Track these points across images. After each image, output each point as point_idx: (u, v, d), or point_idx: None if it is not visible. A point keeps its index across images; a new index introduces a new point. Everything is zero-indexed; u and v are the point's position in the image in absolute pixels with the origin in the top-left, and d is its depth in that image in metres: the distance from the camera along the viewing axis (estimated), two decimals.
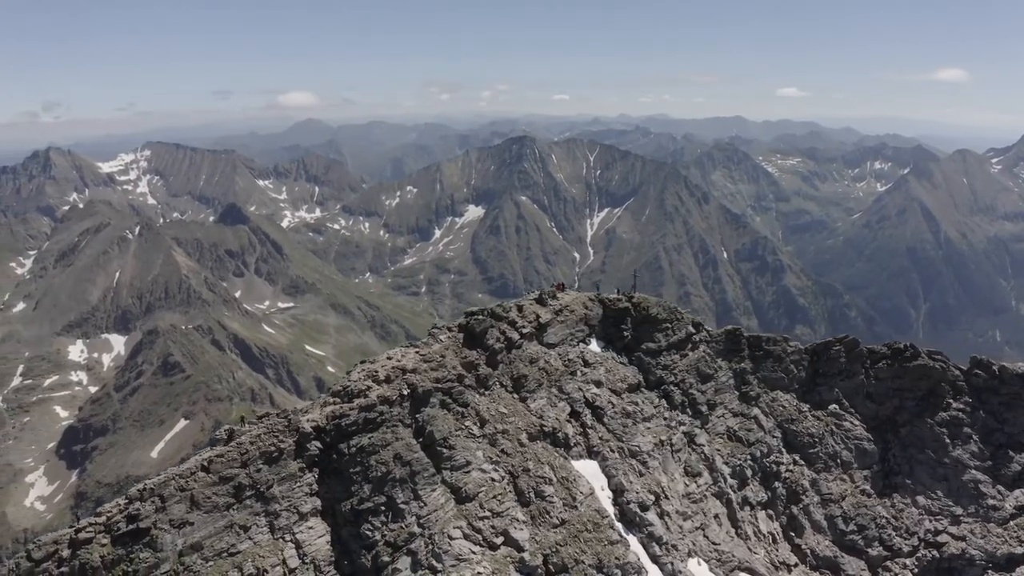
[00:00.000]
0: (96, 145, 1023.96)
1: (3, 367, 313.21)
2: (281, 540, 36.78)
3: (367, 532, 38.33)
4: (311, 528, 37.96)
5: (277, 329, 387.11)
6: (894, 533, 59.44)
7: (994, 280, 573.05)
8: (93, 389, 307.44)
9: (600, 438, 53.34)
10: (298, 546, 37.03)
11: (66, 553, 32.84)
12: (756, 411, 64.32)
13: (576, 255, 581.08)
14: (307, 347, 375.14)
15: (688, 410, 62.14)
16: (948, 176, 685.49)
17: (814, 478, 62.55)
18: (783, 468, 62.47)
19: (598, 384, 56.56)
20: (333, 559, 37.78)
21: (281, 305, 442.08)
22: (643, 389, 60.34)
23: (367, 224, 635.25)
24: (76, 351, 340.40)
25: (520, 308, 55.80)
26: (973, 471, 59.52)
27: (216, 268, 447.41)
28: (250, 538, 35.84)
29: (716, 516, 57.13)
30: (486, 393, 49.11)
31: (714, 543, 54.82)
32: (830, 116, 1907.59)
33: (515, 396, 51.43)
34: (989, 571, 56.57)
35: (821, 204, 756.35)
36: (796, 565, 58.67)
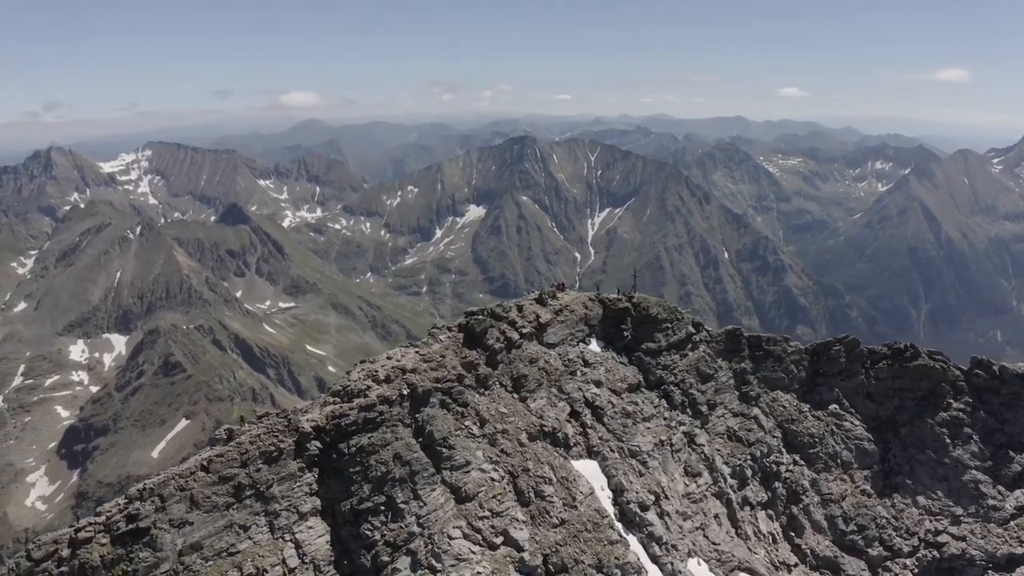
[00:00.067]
0: (97, 145, 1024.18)
1: (4, 367, 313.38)
2: (281, 540, 36.80)
3: (367, 532, 38.34)
4: (311, 528, 37.97)
5: (278, 329, 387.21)
6: (894, 533, 59.43)
7: (995, 280, 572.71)
8: (94, 389, 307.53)
9: (600, 438, 53.35)
10: (298, 546, 37.04)
11: (66, 553, 32.88)
12: (756, 411, 64.32)
13: (577, 255, 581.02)
14: (308, 347, 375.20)
15: (688, 410, 62.14)
16: (949, 176, 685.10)
17: (814, 478, 62.54)
18: (783, 468, 62.47)
19: (598, 384, 56.57)
20: (333, 559, 37.79)
21: (282, 305, 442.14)
22: (643, 389, 60.35)
23: (368, 224, 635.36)
24: (77, 351, 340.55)
25: (520, 308, 55.83)
26: (973, 471, 59.52)
27: (217, 268, 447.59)
28: (250, 538, 35.86)
29: (716, 516, 57.14)
30: (486, 393, 49.13)
31: (714, 543, 54.82)
32: (831, 116, 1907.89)
33: (515, 396, 51.44)
34: (989, 571, 56.57)
35: (822, 204, 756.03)
36: (796, 565, 58.66)
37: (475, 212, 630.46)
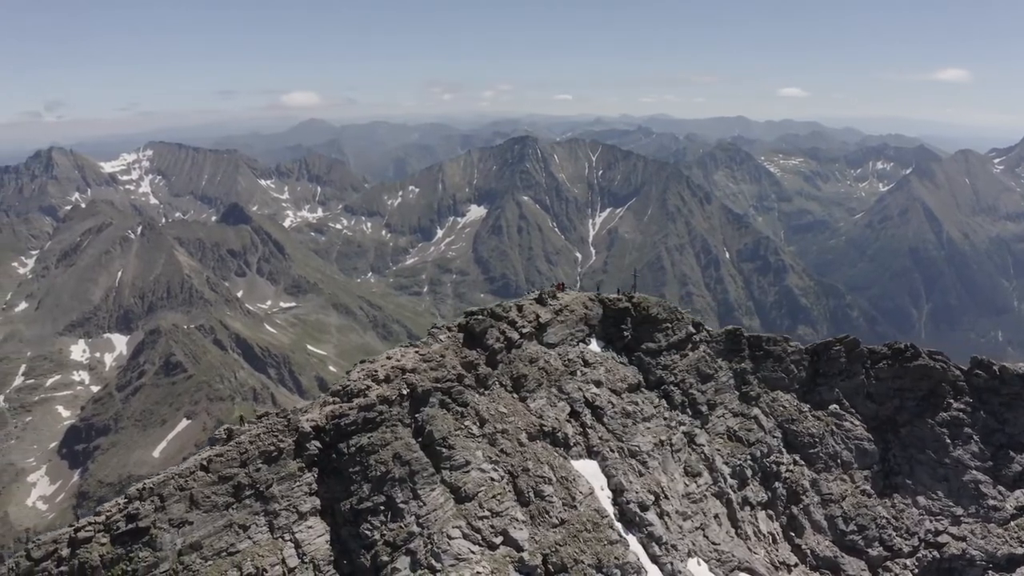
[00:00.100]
0: (98, 145, 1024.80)
1: (5, 367, 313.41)
2: (280, 539, 36.83)
3: (366, 531, 38.37)
4: (310, 527, 38.01)
5: (279, 329, 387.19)
6: (894, 533, 59.42)
7: (996, 280, 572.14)
8: (95, 389, 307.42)
9: (600, 438, 53.36)
10: (297, 545, 37.07)
11: (65, 552, 32.92)
12: (756, 411, 64.32)
13: (578, 255, 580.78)
14: (309, 347, 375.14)
15: (688, 410, 62.14)
16: (950, 176, 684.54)
17: (814, 478, 62.54)
18: (783, 468, 62.46)
19: (598, 384, 56.58)
20: (332, 558, 37.82)
21: (283, 305, 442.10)
22: (643, 389, 60.36)
23: (369, 224, 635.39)
24: (78, 351, 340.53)
25: (520, 308, 55.85)
26: (974, 471, 59.51)
27: (218, 268, 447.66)
28: (249, 537, 35.89)
29: (716, 516, 57.14)
30: (486, 393, 49.15)
31: (714, 543, 54.83)
32: (832, 116, 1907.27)
33: (515, 396, 51.46)
34: (990, 571, 56.58)
35: (823, 204, 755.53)
36: (796, 565, 58.65)
37: (476, 212, 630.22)
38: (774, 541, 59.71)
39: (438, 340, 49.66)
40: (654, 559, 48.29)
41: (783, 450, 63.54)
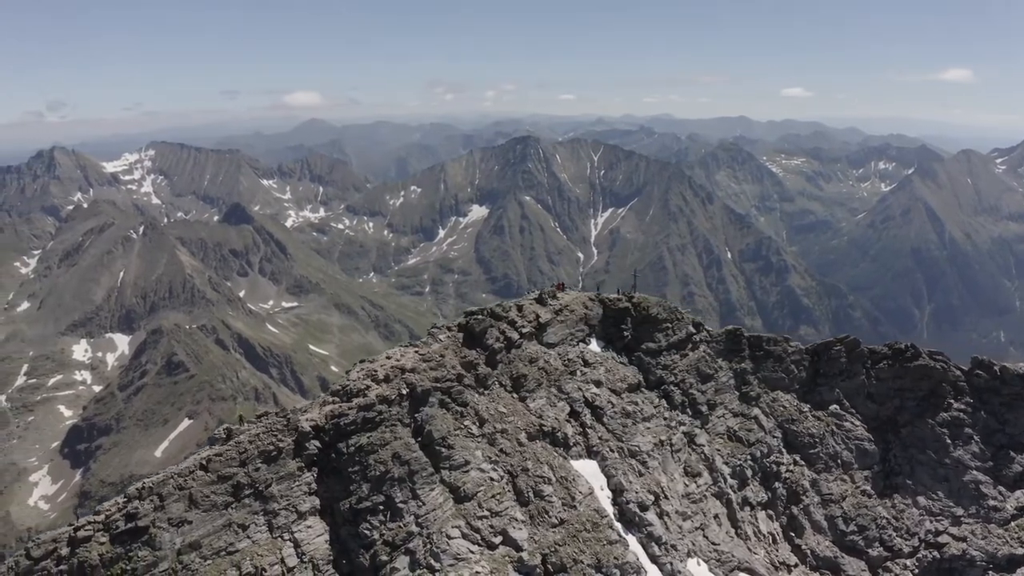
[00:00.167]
0: (101, 145, 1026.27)
1: (7, 366, 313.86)
2: (279, 539, 36.87)
3: (365, 531, 38.40)
4: (309, 527, 38.04)
5: (281, 329, 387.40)
6: (895, 534, 59.37)
7: (998, 281, 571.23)
8: (97, 388, 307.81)
9: (600, 438, 53.37)
10: (296, 545, 37.11)
11: (65, 551, 32.98)
12: (756, 411, 64.29)
13: (580, 255, 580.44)
14: (311, 347, 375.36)
15: (688, 410, 62.13)
16: (952, 176, 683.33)
17: (814, 478, 62.50)
18: (783, 468, 62.43)
19: (598, 384, 56.59)
20: (331, 558, 37.87)
21: (285, 305, 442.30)
22: (643, 389, 60.35)
23: (371, 224, 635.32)
24: (80, 350, 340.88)
25: (520, 308, 55.89)
26: (974, 472, 59.44)
27: (220, 268, 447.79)
28: (248, 537, 35.94)
29: (716, 516, 57.12)
30: (485, 393, 49.17)
31: (714, 543, 54.81)
32: (835, 116, 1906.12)
33: (514, 396, 51.48)
34: (990, 572, 56.49)
35: (825, 204, 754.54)
36: (796, 565, 58.62)
37: (478, 212, 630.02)
38: (774, 541, 59.69)
39: (438, 340, 49.71)
40: (654, 559, 48.29)
41: (783, 450, 63.51)
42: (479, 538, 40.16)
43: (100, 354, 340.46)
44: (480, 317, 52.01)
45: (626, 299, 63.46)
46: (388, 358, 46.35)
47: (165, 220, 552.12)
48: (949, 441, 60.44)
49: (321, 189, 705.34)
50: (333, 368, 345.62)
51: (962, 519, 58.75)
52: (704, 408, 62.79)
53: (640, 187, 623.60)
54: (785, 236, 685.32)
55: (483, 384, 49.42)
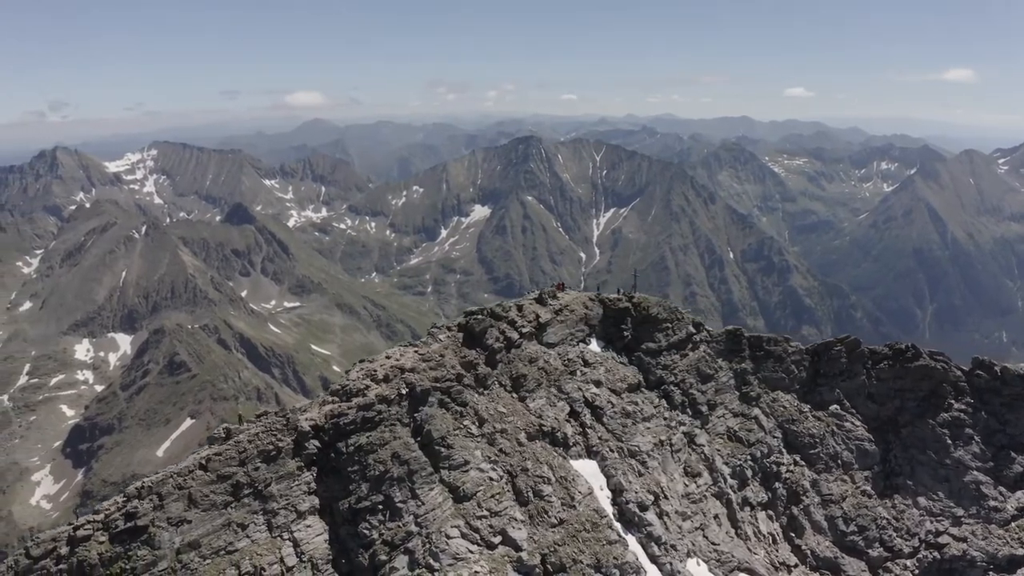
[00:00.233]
0: (103, 145, 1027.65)
1: (9, 366, 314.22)
2: (279, 538, 36.92)
3: (365, 531, 38.44)
4: (309, 526, 38.08)
5: (283, 328, 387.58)
6: (895, 534, 59.31)
7: (1000, 281, 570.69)
8: (99, 388, 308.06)
9: (599, 438, 53.37)
10: (296, 544, 37.16)
11: (64, 550, 33.04)
12: (757, 411, 64.25)
13: (582, 255, 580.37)
14: (313, 346, 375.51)
15: (688, 410, 62.11)
16: (955, 177, 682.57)
17: (815, 479, 62.45)
18: (783, 469, 62.39)
19: (598, 384, 56.58)
20: (331, 557, 37.91)
21: (287, 305, 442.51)
22: (643, 389, 60.34)
23: (373, 224, 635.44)
24: (82, 350, 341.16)
25: (520, 308, 55.92)
26: (975, 472, 59.35)
27: (222, 267, 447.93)
28: (248, 536, 35.99)
29: (716, 516, 57.09)
30: (485, 392, 49.19)
31: (713, 543, 54.79)
32: (837, 116, 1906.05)
33: (514, 395, 51.50)
34: (990, 572, 56.37)
35: (827, 204, 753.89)
36: (796, 566, 58.58)
37: (480, 212, 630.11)
38: (774, 542, 59.66)
39: (437, 340, 49.75)
40: (653, 559, 48.29)
41: (783, 450, 63.47)
42: (478, 538, 40.19)
43: (102, 354, 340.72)
44: (480, 317, 52.05)
45: (626, 299, 63.48)
46: (388, 358, 46.40)
47: (167, 220, 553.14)
48: (950, 441, 60.36)
49: (323, 189, 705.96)
50: (335, 368, 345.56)
51: (962, 519, 58.67)
52: (704, 408, 62.77)
53: (642, 187, 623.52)
54: (787, 236, 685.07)
55: (483, 384, 49.45)
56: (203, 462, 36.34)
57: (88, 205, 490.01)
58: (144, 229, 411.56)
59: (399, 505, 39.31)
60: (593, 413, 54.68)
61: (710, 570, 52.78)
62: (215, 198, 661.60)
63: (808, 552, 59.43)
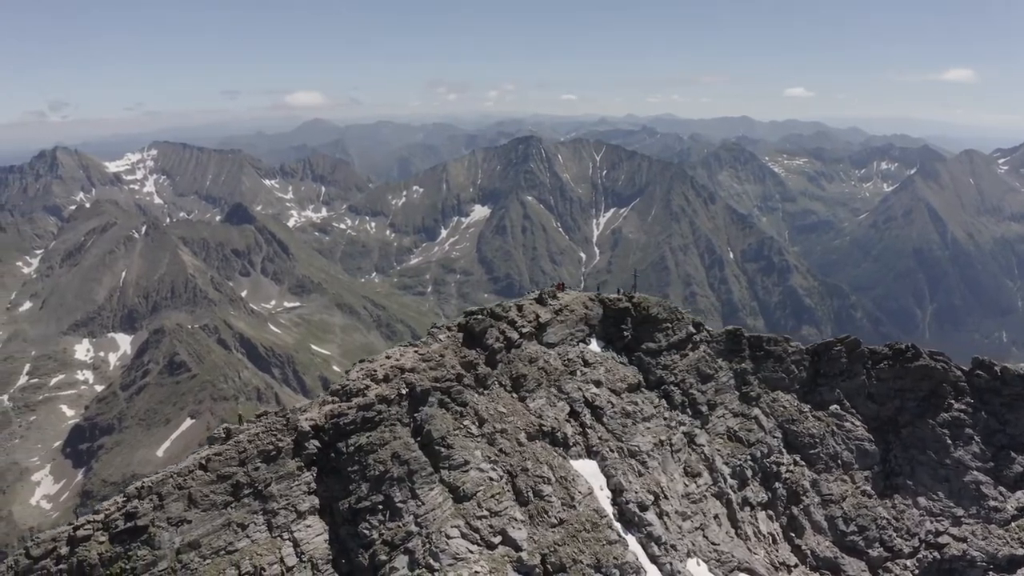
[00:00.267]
0: (103, 145, 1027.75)
1: (9, 366, 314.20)
2: (279, 538, 36.91)
3: (365, 531, 38.43)
4: (309, 526, 38.08)
5: (283, 328, 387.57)
6: (895, 534, 59.30)
7: (1000, 281, 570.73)
8: (99, 388, 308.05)
9: (599, 438, 53.36)
10: (296, 544, 37.15)
11: (64, 550, 33.04)
12: (757, 411, 64.24)
13: (582, 255, 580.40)
14: (313, 346, 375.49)
15: (688, 410, 62.09)
16: (955, 177, 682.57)
17: (815, 479, 62.43)
18: (783, 469, 62.37)
19: (598, 384, 56.57)
20: (331, 557, 37.90)
21: (287, 304, 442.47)
22: (643, 389, 60.32)
23: (373, 224, 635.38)
24: (82, 350, 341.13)
25: (520, 308, 55.91)
26: (975, 472, 59.34)
27: (222, 267, 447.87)
28: (248, 536, 35.98)
29: (716, 516, 57.08)
30: (485, 392, 49.18)
31: (713, 543, 54.78)
32: (837, 116, 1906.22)
33: (514, 395, 51.48)
34: (991, 573, 56.36)
35: (827, 204, 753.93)
36: (796, 566, 58.57)
37: (480, 212, 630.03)
38: (774, 541, 59.65)
39: (437, 340, 49.74)
40: (653, 559, 48.28)
41: (783, 450, 63.45)
42: (478, 538, 40.18)
43: (102, 354, 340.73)
44: (480, 317, 52.04)
45: (626, 299, 63.47)
46: (388, 358, 46.39)
47: (167, 220, 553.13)
48: (950, 441, 60.35)
49: (323, 189, 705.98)
50: (335, 368, 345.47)
51: (962, 519, 58.66)
52: (704, 408, 62.76)
53: (642, 187, 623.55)
54: (787, 236, 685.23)
55: (483, 384, 49.44)
56: (203, 462, 36.34)
57: (88, 205, 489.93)
58: (144, 229, 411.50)
59: (399, 505, 39.30)
60: (593, 413, 54.68)
61: (710, 570, 52.77)
62: (215, 198, 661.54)
63: (808, 552, 59.43)
